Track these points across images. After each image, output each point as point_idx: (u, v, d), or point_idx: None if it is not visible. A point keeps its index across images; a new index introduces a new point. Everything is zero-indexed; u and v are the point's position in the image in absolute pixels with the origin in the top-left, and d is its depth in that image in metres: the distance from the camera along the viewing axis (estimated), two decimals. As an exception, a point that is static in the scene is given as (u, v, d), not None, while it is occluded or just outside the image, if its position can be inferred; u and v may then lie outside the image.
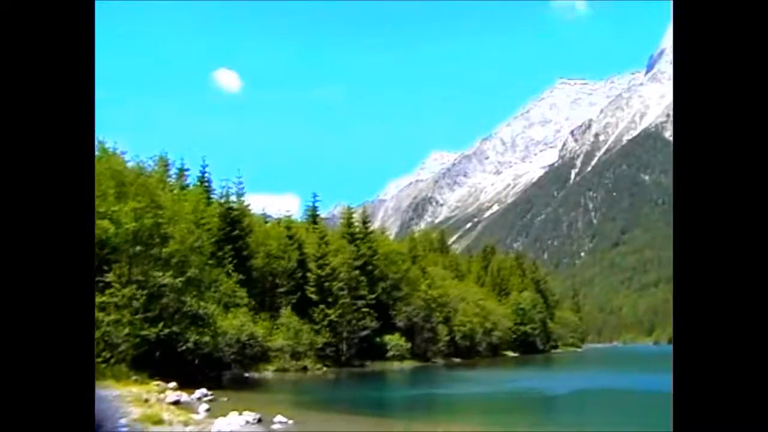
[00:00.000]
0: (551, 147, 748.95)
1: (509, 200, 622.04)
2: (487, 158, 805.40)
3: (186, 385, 32.26)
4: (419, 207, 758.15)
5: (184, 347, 37.92)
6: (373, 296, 72.98)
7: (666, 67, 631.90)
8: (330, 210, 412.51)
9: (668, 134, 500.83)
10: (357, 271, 72.26)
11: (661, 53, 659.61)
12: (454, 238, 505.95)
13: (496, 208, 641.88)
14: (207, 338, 39.89)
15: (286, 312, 62.33)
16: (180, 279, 37.55)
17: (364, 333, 69.95)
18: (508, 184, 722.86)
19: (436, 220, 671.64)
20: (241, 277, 54.87)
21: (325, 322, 66.54)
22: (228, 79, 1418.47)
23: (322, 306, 67.15)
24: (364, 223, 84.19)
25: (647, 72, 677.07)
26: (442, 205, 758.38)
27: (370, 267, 76.26)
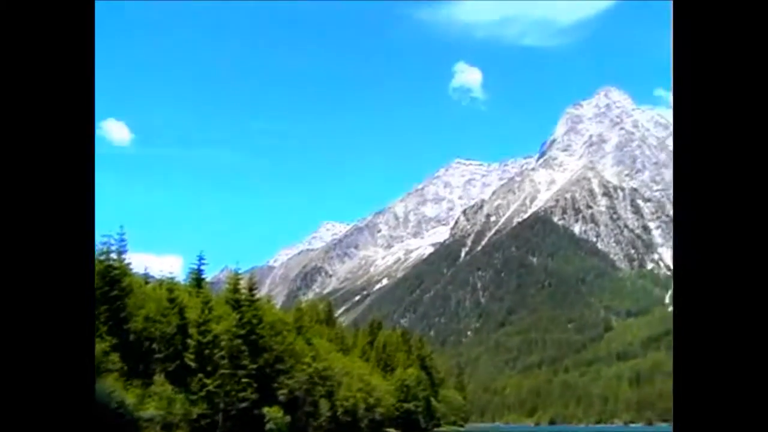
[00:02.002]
0: (443, 224, 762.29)
1: (399, 275, 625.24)
2: (379, 232, 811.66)
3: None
4: (308, 277, 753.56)
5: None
6: (254, 366, 70.56)
7: (557, 154, 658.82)
8: (216, 274, 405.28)
9: (556, 219, 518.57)
10: (240, 340, 69.87)
11: (553, 141, 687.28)
12: (341, 310, 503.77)
13: (385, 282, 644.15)
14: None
15: (159, 379, 59.22)
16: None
17: (243, 405, 67.20)
18: (399, 259, 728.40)
19: (325, 291, 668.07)
20: (114, 340, 51.97)
21: (203, 392, 63.60)
22: (118, 131, 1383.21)
23: (200, 375, 64.26)
24: (251, 289, 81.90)
25: (539, 158, 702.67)
26: (331, 276, 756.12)
27: (254, 336, 73.85)
